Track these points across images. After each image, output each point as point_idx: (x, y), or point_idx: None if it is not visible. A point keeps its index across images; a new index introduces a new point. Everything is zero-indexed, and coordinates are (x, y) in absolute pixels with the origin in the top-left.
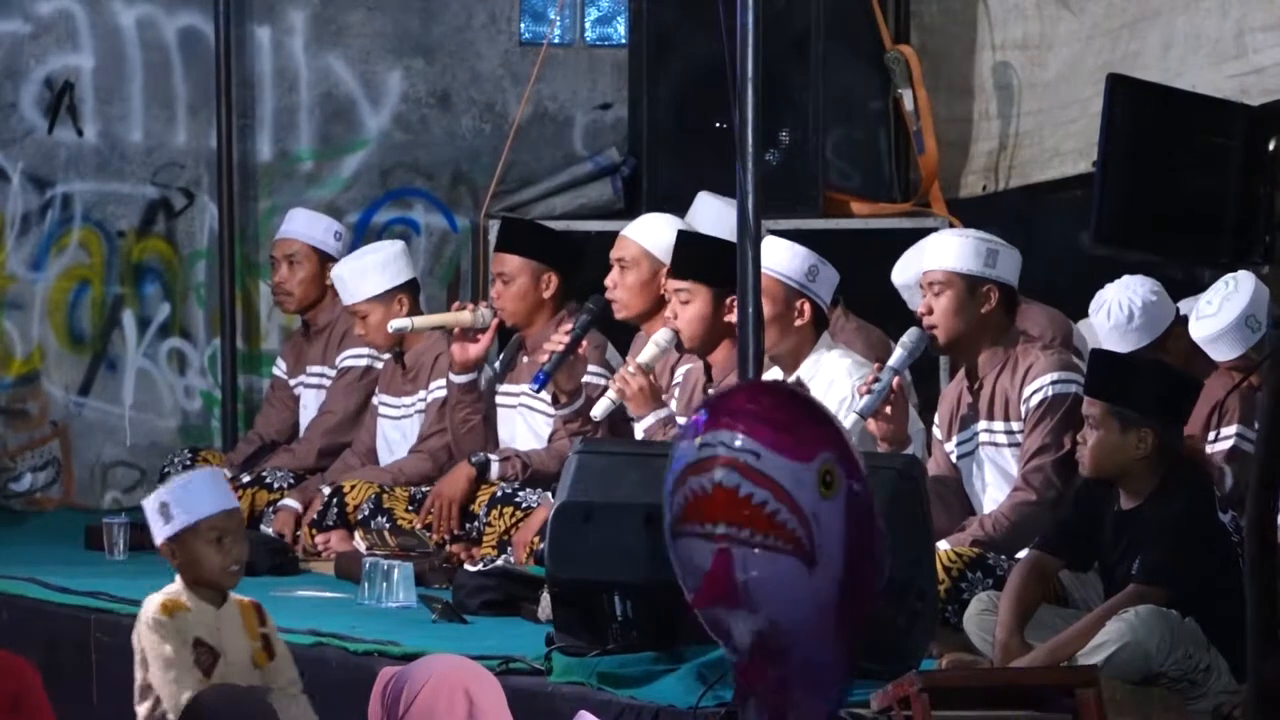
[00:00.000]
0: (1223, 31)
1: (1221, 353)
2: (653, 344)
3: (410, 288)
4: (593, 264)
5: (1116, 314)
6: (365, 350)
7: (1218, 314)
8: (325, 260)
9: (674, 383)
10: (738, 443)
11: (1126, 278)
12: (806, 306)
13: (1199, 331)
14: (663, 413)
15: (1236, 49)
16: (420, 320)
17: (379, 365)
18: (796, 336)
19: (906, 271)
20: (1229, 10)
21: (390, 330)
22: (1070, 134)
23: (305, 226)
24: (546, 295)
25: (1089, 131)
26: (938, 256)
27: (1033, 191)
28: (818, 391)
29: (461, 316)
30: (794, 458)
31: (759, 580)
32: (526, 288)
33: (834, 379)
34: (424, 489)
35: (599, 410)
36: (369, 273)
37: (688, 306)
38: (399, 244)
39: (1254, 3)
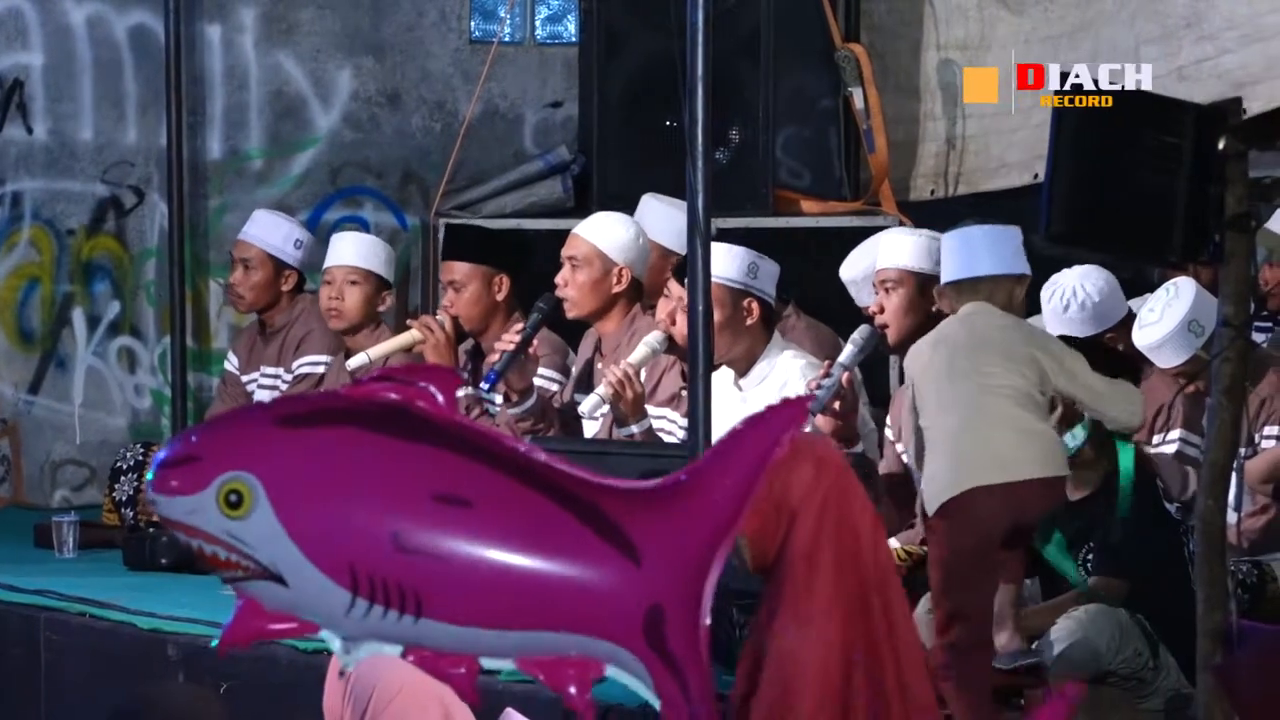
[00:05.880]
0: (1128, 43)
1: (1166, 359)
2: (644, 345)
3: (375, 281)
4: (542, 262)
5: (1069, 299)
6: (323, 357)
7: (1160, 321)
8: (282, 268)
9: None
10: (152, 500)
11: (1082, 267)
12: (754, 305)
13: (1142, 339)
14: (645, 424)
15: (1135, 61)
16: (376, 351)
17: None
18: (749, 337)
19: (855, 267)
20: (1135, 22)
21: (349, 369)
22: (1013, 144)
23: (265, 232)
24: (500, 298)
25: (1031, 143)
26: (890, 255)
27: (980, 196)
28: (771, 393)
29: (412, 336)
30: (180, 493)
31: (258, 595)
32: (479, 293)
33: (787, 380)
34: None
35: (587, 406)
36: (355, 245)
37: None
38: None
39: (1148, 14)
